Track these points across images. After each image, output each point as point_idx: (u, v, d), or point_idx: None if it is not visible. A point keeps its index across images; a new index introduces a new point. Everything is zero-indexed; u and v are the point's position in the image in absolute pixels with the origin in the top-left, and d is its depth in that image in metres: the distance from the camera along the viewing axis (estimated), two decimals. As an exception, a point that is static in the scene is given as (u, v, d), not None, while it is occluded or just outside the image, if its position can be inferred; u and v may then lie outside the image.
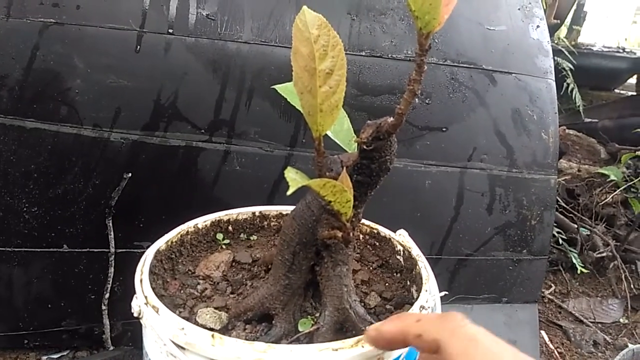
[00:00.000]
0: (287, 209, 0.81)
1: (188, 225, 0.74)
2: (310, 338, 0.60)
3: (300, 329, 0.62)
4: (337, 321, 0.61)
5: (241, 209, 0.81)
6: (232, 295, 0.66)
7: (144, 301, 0.57)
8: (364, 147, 0.54)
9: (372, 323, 0.63)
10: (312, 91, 0.50)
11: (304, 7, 0.49)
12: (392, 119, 0.52)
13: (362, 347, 0.51)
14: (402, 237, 0.79)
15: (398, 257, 0.77)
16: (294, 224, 0.60)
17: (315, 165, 0.55)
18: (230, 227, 0.79)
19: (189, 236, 0.74)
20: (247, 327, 0.61)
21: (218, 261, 0.71)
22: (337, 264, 0.62)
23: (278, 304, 0.61)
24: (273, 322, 0.61)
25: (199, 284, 0.67)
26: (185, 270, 0.71)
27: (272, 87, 0.60)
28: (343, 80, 0.50)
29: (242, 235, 0.80)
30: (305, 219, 0.60)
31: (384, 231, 0.81)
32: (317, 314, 0.65)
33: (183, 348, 0.52)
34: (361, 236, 0.83)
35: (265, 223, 0.82)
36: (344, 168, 0.55)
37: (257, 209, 0.81)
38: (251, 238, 0.80)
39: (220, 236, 0.77)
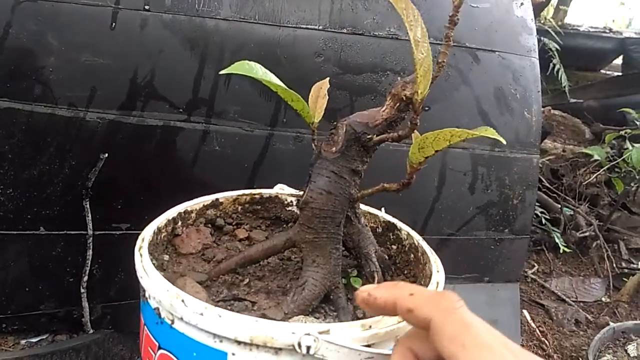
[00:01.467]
0: (170, 213, 0.74)
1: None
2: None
3: (357, 287, 0.65)
4: (379, 264, 0.68)
5: (147, 230, 0.70)
6: (265, 303, 0.63)
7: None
8: (409, 101, 0.58)
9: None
10: (417, 60, 0.53)
11: None
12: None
13: None
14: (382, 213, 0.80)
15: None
16: (331, 197, 0.62)
17: (411, 128, 0.59)
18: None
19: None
20: (319, 316, 0.61)
21: (199, 290, 0.63)
22: (360, 217, 0.68)
23: (337, 277, 0.63)
24: (332, 297, 0.63)
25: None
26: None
27: (220, 72, 0.59)
28: (428, 47, 0.53)
29: (153, 261, 0.71)
30: (342, 189, 0.62)
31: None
32: (350, 270, 0.70)
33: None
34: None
35: (159, 237, 0.72)
36: (413, 124, 0.58)
37: (154, 226, 0.70)
38: (164, 258, 0.72)
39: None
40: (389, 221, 0.77)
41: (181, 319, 0.52)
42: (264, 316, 0.58)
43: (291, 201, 0.84)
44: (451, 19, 0.52)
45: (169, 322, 0.53)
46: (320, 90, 0.69)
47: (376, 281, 0.65)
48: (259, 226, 0.82)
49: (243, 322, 0.50)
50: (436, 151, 0.56)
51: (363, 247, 0.67)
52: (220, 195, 0.81)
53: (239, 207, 0.82)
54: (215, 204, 0.80)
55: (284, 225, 0.84)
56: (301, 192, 0.66)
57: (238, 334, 0.49)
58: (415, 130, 0.57)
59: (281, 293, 0.65)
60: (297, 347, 0.47)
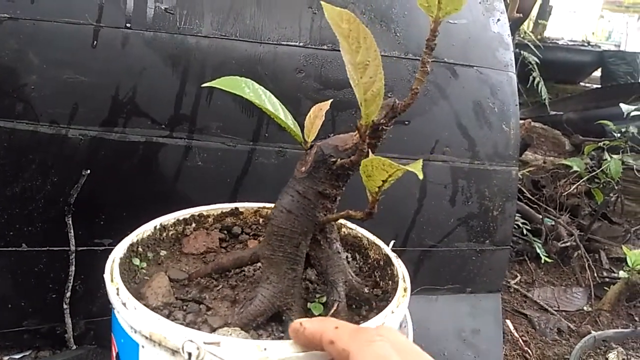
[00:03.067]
0: (182, 214, 0.78)
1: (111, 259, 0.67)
2: (333, 317, 0.62)
3: (315, 313, 0.65)
4: (347, 294, 0.66)
5: (144, 226, 0.74)
6: (222, 310, 0.64)
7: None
8: (382, 127, 0.57)
9: (370, 291, 0.70)
10: (357, 83, 0.52)
11: (324, 4, 0.51)
12: (405, 99, 0.56)
13: None
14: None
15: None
16: (291, 217, 0.61)
17: (358, 152, 0.58)
18: (140, 248, 0.73)
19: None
20: (262, 333, 0.61)
21: (162, 286, 0.67)
22: (332, 242, 0.67)
23: (290, 298, 0.63)
24: (284, 318, 0.62)
25: (170, 314, 0.63)
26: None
27: (202, 85, 0.60)
28: (380, 69, 0.52)
29: (149, 254, 0.74)
30: (304, 209, 0.62)
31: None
32: (318, 296, 0.68)
33: None
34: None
35: (165, 234, 0.77)
36: (360, 150, 0.58)
37: (157, 222, 0.76)
38: (161, 254, 0.75)
39: (136, 261, 0.71)
40: (387, 255, 0.75)
41: (115, 307, 0.56)
42: (204, 322, 0.60)
43: None
44: (428, 43, 0.52)
45: (113, 308, 0.57)
46: (320, 111, 0.69)
47: (333, 310, 0.63)
48: None
49: (148, 317, 0.53)
50: (383, 181, 0.53)
51: (330, 274, 0.66)
52: (240, 205, 0.83)
53: (260, 219, 0.84)
54: (235, 213, 0.83)
55: None
56: None
57: (142, 328, 0.52)
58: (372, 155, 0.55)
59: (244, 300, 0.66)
60: (181, 351, 0.48)
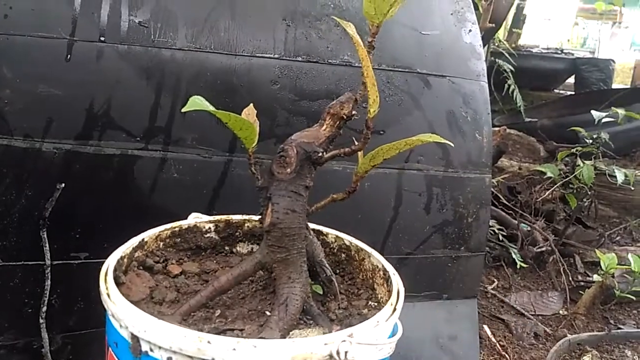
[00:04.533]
0: (132, 241, 0.77)
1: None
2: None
3: (320, 293, 0.74)
4: None
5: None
6: (254, 328, 0.66)
7: None
8: (348, 119, 0.67)
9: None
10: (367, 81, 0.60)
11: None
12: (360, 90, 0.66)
13: None
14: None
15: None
16: (296, 215, 0.68)
17: (363, 142, 0.70)
18: None
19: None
20: (302, 326, 0.66)
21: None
22: (309, 229, 0.76)
23: (309, 288, 0.70)
24: (305, 307, 0.68)
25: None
26: None
27: (182, 110, 0.63)
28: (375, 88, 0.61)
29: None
30: (302, 205, 0.69)
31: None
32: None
33: None
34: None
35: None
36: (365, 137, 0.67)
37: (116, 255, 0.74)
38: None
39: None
40: (314, 229, 0.81)
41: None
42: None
43: (209, 228, 0.86)
44: (370, 44, 0.59)
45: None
46: (249, 116, 0.73)
47: (336, 286, 0.70)
48: (182, 258, 0.83)
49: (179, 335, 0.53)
50: (384, 159, 0.64)
51: (316, 255, 0.72)
52: (146, 235, 0.82)
53: (161, 244, 0.84)
54: (141, 244, 0.81)
55: (203, 253, 0.86)
56: (257, 217, 0.68)
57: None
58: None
59: (256, 315, 0.67)
60: (336, 356, 0.54)
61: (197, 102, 0.64)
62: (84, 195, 1.12)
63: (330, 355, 0.52)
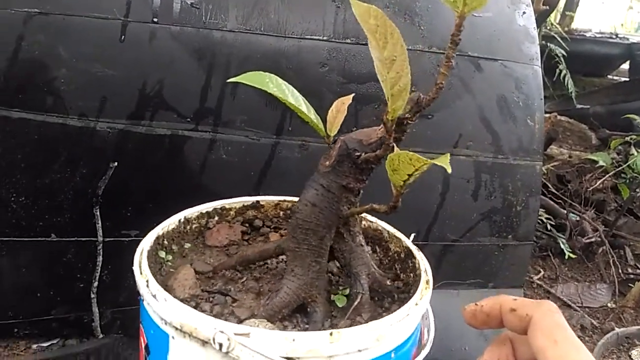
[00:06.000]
0: (204, 207, 0.80)
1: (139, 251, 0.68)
2: (356, 309, 0.63)
3: (339, 305, 0.66)
4: (370, 286, 0.66)
5: (169, 219, 0.75)
6: (248, 302, 0.65)
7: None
8: (407, 121, 0.58)
9: (392, 283, 0.71)
10: (385, 79, 0.52)
11: (352, 1, 0.51)
12: (429, 93, 0.56)
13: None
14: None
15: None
16: (315, 210, 0.62)
17: (384, 147, 0.58)
18: (165, 241, 0.74)
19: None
20: (287, 324, 0.62)
21: (189, 278, 0.68)
22: (355, 235, 0.68)
23: (314, 290, 0.64)
24: (309, 309, 0.63)
25: (197, 305, 0.64)
26: None
27: (228, 80, 0.62)
28: (406, 64, 0.52)
29: (174, 246, 0.75)
30: (328, 202, 0.63)
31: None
32: (341, 288, 0.69)
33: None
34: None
35: (189, 227, 0.78)
36: (387, 144, 0.58)
37: (181, 215, 0.77)
38: (185, 247, 0.76)
39: (162, 254, 0.73)
40: (408, 247, 0.75)
41: (144, 298, 0.57)
42: (231, 313, 0.61)
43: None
44: (453, 39, 0.52)
45: (142, 299, 0.58)
46: (342, 105, 0.70)
47: (357, 302, 0.64)
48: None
49: (178, 309, 0.54)
50: (409, 175, 0.53)
51: (354, 266, 0.67)
52: (261, 198, 0.84)
53: (281, 212, 0.85)
54: (256, 206, 0.84)
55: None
56: None
57: (173, 320, 0.53)
58: (397, 149, 0.56)
59: (266, 291, 0.68)
60: (212, 342, 0.50)
61: (258, 78, 0.63)
62: (135, 174, 1.14)
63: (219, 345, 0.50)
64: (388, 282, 0.70)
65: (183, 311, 0.53)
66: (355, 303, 0.64)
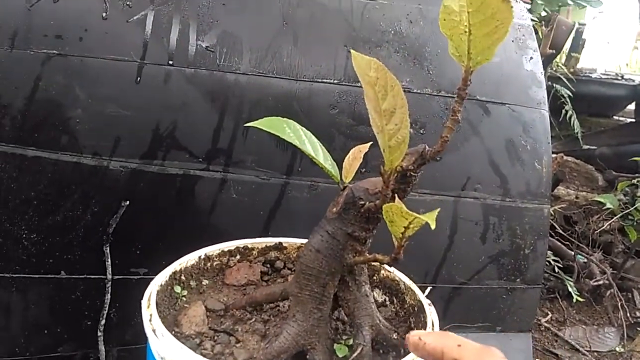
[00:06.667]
0: (227, 245, 0.82)
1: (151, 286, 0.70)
2: None
3: (339, 355, 0.65)
4: (373, 338, 0.66)
5: (189, 255, 0.78)
6: (251, 344, 0.66)
7: None
8: (410, 172, 0.58)
9: (397, 337, 0.70)
10: (382, 130, 0.53)
11: (353, 52, 0.52)
12: (435, 146, 0.57)
13: None
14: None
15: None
16: (319, 256, 0.63)
17: (382, 198, 0.58)
18: (183, 277, 0.76)
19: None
20: None
21: (198, 315, 0.69)
22: (361, 285, 0.67)
23: (314, 337, 0.64)
24: (307, 357, 0.63)
25: (200, 343, 0.65)
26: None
27: (245, 125, 0.63)
28: (406, 117, 0.53)
29: (192, 282, 0.77)
30: (332, 249, 0.63)
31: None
32: (345, 337, 0.69)
33: None
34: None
35: (209, 264, 0.80)
36: (384, 195, 0.58)
37: (201, 252, 0.80)
38: (203, 283, 0.78)
39: (178, 289, 0.74)
40: (420, 302, 0.75)
41: (146, 333, 0.60)
42: (231, 354, 0.62)
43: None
44: (459, 93, 0.53)
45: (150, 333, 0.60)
46: (359, 153, 0.71)
47: (357, 354, 0.63)
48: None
49: (172, 346, 0.55)
50: (405, 228, 0.53)
51: (357, 316, 0.66)
52: (284, 240, 0.85)
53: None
54: (278, 247, 0.85)
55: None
56: None
57: (166, 356, 0.55)
58: (398, 200, 0.55)
59: (270, 333, 0.68)
60: None
61: (274, 124, 0.64)
62: (146, 213, 1.16)
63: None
64: (394, 336, 0.70)
65: (177, 349, 0.54)
66: (354, 355, 0.63)
